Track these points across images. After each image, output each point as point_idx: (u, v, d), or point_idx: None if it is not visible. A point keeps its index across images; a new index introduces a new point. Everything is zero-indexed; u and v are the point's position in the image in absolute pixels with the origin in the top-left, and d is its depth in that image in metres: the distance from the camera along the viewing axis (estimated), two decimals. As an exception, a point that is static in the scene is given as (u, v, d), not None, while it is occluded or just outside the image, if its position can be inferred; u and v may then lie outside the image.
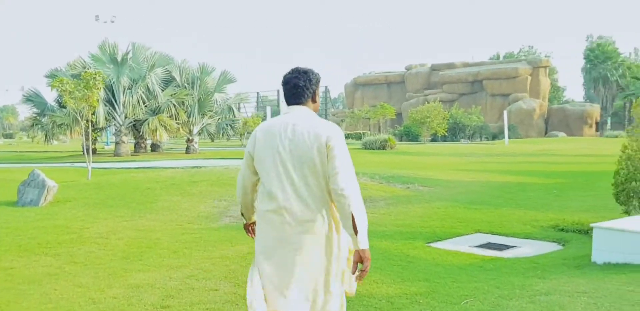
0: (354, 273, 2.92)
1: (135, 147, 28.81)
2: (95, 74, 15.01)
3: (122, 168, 16.98)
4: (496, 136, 50.30)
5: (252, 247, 6.66)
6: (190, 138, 28.42)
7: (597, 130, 56.78)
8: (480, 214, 9.29)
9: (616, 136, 43.26)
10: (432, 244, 7.28)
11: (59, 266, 5.98)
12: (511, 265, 6.06)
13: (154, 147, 29.88)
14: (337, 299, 3.04)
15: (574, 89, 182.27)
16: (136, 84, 25.57)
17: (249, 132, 48.48)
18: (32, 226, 8.22)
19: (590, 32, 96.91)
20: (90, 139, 17.14)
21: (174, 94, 26.67)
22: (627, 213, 7.55)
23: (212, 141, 37.60)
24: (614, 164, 8.10)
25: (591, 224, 6.21)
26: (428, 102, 46.57)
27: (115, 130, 26.67)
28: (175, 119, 26.35)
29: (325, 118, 48.04)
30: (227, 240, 7.26)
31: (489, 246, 7.25)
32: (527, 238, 7.66)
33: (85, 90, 14.55)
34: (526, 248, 7.10)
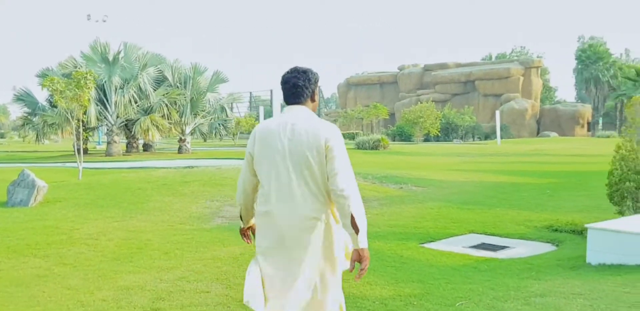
0: (351, 271, 2.95)
1: (127, 147, 28.66)
2: (87, 74, 14.90)
3: (113, 168, 16.86)
4: (488, 136, 50.44)
5: (245, 248, 6.64)
6: (183, 138, 28.29)
7: (588, 130, 57.04)
8: (473, 215, 9.25)
9: (608, 136, 43.49)
10: (426, 245, 7.23)
11: (47, 268, 5.89)
12: (505, 266, 6.01)
13: (146, 147, 29.73)
14: (336, 299, 3.06)
15: (566, 90, 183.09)
16: (128, 83, 25.42)
17: (242, 132, 48.49)
18: (21, 226, 8.12)
19: (581, 33, 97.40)
20: (81, 139, 17.01)
21: (166, 93, 26.54)
22: (621, 213, 7.53)
23: (205, 141, 37.52)
24: (606, 164, 8.09)
25: (586, 225, 6.18)
26: (421, 103, 46.61)
27: (107, 130, 26.51)
28: (168, 119, 26.22)
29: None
30: (219, 241, 7.19)
31: (482, 246, 7.21)
32: (521, 239, 7.63)
33: (76, 89, 14.43)
34: (520, 249, 7.06)
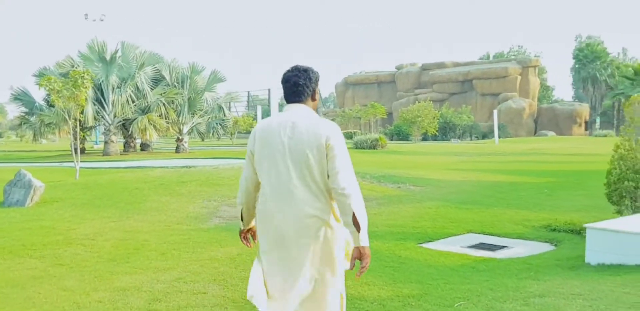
0: (351, 269, 3.00)
1: (124, 146, 28.59)
2: (84, 73, 14.86)
3: (110, 168, 16.80)
4: (486, 135, 50.49)
5: (242, 248, 6.61)
6: (180, 137, 28.23)
7: (586, 129, 57.10)
8: (472, 214, 9.22)
9: (605, 135, 43.52)
10: (424, 245, 7.20)
11: (43, 269, 5.85)
12: (504, 266, 5.98)
13: (144, 146, 29.66)
14: (337, 298, 3.07)
15: (563, 89, 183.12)
16: (125, 83, 25.34)
17: (240, 132, 48.45)
18: (17, 227, 8.08)
19: (579, 32, 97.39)
20: (78, 138, 16.96)
21: (164, 93, 26.46)
22: (620, 212, 7.50)
23: (202, 140, 37.43)
24: (604, 164, 8.06)
25: (585, 225, 6.15)
26: (418, 102, 46.59)
27: (104, 129, 26.44)
28: (165, 119, 26.14)
29: (316, 117, 47.75)
30: (216, 241, 7.15)
31: (481, 246, 7.18)
32: (520, 238, 7.60)
33: (74, 89, 14.39)
34: (519, 249, 7.04)
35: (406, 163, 19.37)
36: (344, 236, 3.05)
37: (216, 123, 30.63)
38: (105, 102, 25.35)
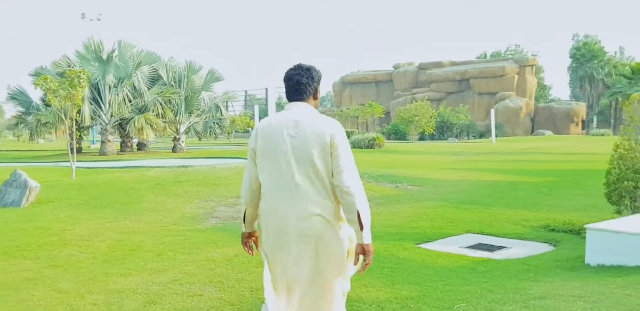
0: (355, 264, 3.04)
1: (121, 146, 28.47)
2: (80, 73, 14.77)
3: (107, 168, 16.71)
4: (483, 134, 50.48)
5: (239, 249, 6.53)
6: (177, 137, 28.14)
7: (583, 128, 57.12)
8: (470, 214, 9.17)
9: (602, 135, 43.59)
10: (422, 245, 7.14)
11: (38, 271, 5.79)
12: (503, 267, 5.92)
13: (141, 146, 29.55)
14: (340, 297, 3.10)
15: (560, 88, 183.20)
16: (122, 82, 25.24)
17: (237, 131, 48.39)
18: (12, 228, 8.01)
19: (576, 31, 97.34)
20: (74, 138, 16.86)
21: (161, 92, 26.36)
22: (619, 212, 7.46)
23: (200, 139, 37.37)
24: (601, 163, 8.01)
25: (585, 226, 6.10)
26: (416, 101, 46.49)
27: (101, 129, 26.33)
28: (162, 118, 26.04)
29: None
30: (212, 242, 7.09)
31: (479, 247, 7.12)
32: (518, 239, 7.55)
33: (70, 88, 14.29)
34: (517, 249, 6.99)
35: (404, 162, 19.32)
36: (347, 234, 3.06)
37: (213, 123, 30.54)
38: (102, 102, 25.25)
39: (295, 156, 2.95)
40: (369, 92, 64.29)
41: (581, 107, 56.89)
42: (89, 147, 35.91)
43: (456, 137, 50.20)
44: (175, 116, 27.24)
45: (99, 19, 41.57)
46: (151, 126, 25.36)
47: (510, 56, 65.64)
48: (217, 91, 31.18)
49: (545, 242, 7.36)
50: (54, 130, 25.34)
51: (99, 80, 24.81)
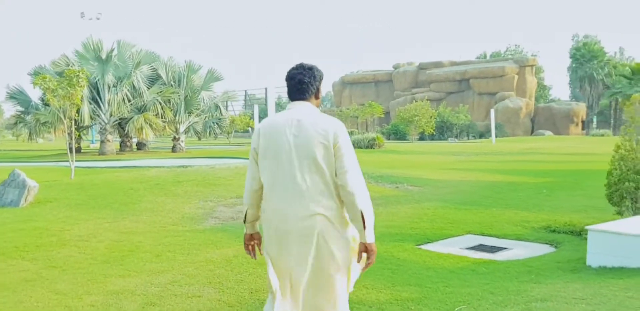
0: (358, 262, 3.05)
1: (120, 145, 28.41)
2: (79, 72, 14.72)
3: (106, 167, 16.66)
4: (483, 134, 50.46)
5: (238, 250, 6.51)
6: (177, 137, 28.08)
7: (583, 129, 57.10)
8: (470, 215, 9.13)
9: (602, 135, 43.61)
10: (423, 247, 7.11)
11: (36, 272, 5.75)
12: (504, 269, 5.89)
13: (140, 145, 29.49)
14: (345, 298, 3.09)
15: (560, 88, 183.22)
16: (121, 81, 25.18)
17: (237, 131, 48.36)
18: (10, 228, 7.97)
19: (576, 32, 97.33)
20: (73, 138, 16.81)
21: (160, 92, 26.30)
22: (620, 213, 7.42)
23: (199, 139, 37.35)
24: (601, 163, 7.97)
25: (586, 227, 6.06)
26: (416, 101, 46.50)
27: (100, 128, 26.28)
28: (161, 118, 25.97)
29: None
30: (212, 243, 7.05)
31: (480, 248, 7.08)
32: (519, 240, 7.51)
33: (69, 88, 14.25)
34: (518, 250, 6.95)
35: (404, 162, 19.29)
36: (351, 234, 3.06)
37: (213, 122, 30.48)
38: (101, 101, 25.20)
39: (298, 155, 2.95)
40: (369, 92, 64.25)
41: (581, 108, 56.88)
42: (89, 147, 35.87)
43: (456, 137, 50.17)
44: (175, 116, 27.19)
45: (98, 19, 41.47)
46: (150, 125, 25.31)
47: (510, 56, 65.61)
48: (217, 91, 31.14)
49: (546, 243, 7.32)
50: (53, 130, 25.25)
51: (98, 79, 24.76)
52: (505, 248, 7.05)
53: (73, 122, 15.78)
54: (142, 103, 25.77)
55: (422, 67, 61.65)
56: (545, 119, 55.72)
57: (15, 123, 27.72)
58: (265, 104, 46.60)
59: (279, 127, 3.02)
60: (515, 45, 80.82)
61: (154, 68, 27.17)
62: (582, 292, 4.61)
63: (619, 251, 5.56)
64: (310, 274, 2.99)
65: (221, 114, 31.01)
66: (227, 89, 35.06)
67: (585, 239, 6.18)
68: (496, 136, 39.00)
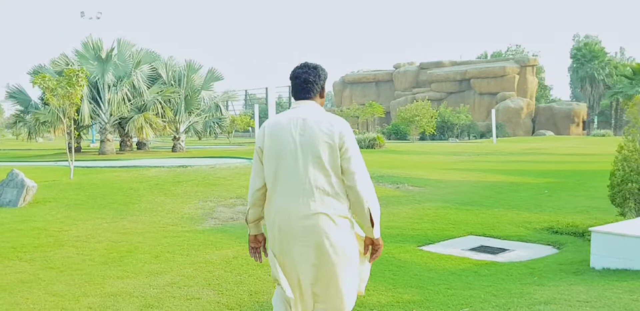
0: (365, 253, 3.11)
1: (120, 145, 28.37)
2: (79, 71, 14.66)
3: (105, 167, 16.61)
4: (484, 134, 50.40)
5: (238, 251, 6.45)
6: (177, 136, 28.02)
7: (584, 129, 57.07)
8: (472, 216, 9.07)
9: (603, 135, 43.56)
10: (424, 248, 7.04)
11: (33, 273, 5.68)
12: (507, 271, 5.82)
13: (140, 145, 29.44)
14: (353, 297, 3.10)
15: (561, 88, 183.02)
16: (121, 81, 25.13)
17: (237, 131, 48.28)
18: (8, 228, 7.90)
19: (577, 32, 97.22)
20: (73, 137, 16.75)
21: (160, 91, 26.25)
22: (623, 215, 7.35)
23: (200, 139, 37.24)
24: (603, 164, 7.91)
25: (590, 228, 5.99)
26: (416, 101, 46.40)
27: (100, 128, 26.22)
28: (162, 117, 25.93)
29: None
30: (211, 244, 6.98)
31: (482, 249, 7.02)
32: (521, 241, 7.44)
33: (68, 87, 14.19)
34: (520, 252, 6.88)
35: (404, 162, 19.21)
36: (354, 231, 3.07)
37: (213, 122, 30.41)
38: (101, 101, 25.15)
39: (304, 155, 2.94)
40: (370, 92, 64.21)
41: (582, 108, 56.84)
42: (88, 146, 35.83)
43: (457, 137, 50.11)
44: (175, 116, 27.14)
45: (98, 18, 41.41)
46: (151, 125, 25.26)
47: (511, 56, 65.55)
48: (217, 91, 31.07)
49: (549, 245, 7.25)
50: (53, 129, 25.20)
51: (98, 79, 24.71)
52: (507, 249, 6.98)
53: (73, 121, 15.71)
54: (142, 103, 25.72)
55: (422, 67, 61.62)
56: (546, 119, 55.69)
57: (15, 122, 27.68)
58: (266, 104, 46.56)
59: (284, 126, 3.01)
60: (516, 45, 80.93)
61: (154, 67, 27.13)
62: (586, 295, 4.54)
63: (623, 253, 5.49)
64: (315, 272, 2.97)
65: (221, 114, 30.95)
66: (227, 89, 35.01)
67: (588, 240, 6.11)
68: (497, 136, 38.98)
